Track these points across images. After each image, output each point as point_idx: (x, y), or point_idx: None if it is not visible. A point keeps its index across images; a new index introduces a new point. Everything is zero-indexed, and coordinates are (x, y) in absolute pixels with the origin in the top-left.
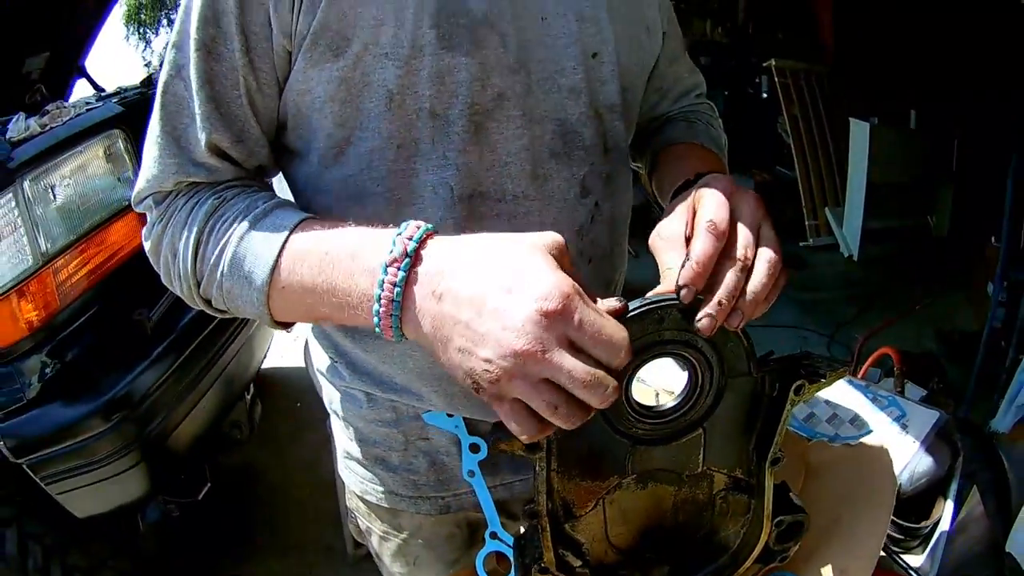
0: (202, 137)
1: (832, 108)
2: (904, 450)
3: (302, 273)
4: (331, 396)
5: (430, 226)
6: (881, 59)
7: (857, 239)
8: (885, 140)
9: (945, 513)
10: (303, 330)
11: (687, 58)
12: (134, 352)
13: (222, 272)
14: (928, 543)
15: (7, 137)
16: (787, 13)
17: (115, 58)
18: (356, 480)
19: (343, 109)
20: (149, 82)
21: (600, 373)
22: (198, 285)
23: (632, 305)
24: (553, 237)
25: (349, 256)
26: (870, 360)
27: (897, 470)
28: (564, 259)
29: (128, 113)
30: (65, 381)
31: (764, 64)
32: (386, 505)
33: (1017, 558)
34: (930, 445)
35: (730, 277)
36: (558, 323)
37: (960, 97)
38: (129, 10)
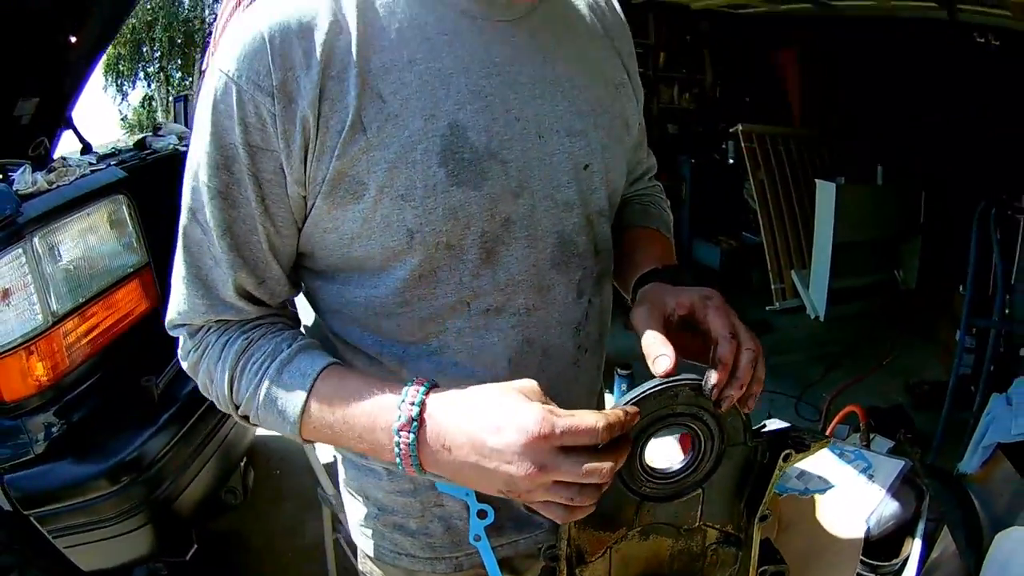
0: (229, 281)
1: (798, 171)
2: (871, 497)
3: (330, 420)
4: (347, 470)
5: (427, 384)
6: (847, 117)
7: (824, 300)
8: (852, 199)
9: (914, 551)
10: None
11: (646, 141)
12: (142, 417)
13: (257, 406)
14: None
15: (15, 190)
16: (754, 78)
17: (93, 109)
18: (372, 545)
19: (368, 244)
20: (143, 144)
21: (592, 464)
22: (236, 408)
23: (653, 383)
24: (527, 382)
25: (367, 415)
26: (837, 418)
27: (865, 516)
28: (534, 395)
29: (131, 178)
30: (72, 441)
31: (731, 129)
32: (404, 566)
33: None
34: (896, 491)
35: (746, 367)
36: (542, 443)
37: (926, 149)
38: (108, 60)
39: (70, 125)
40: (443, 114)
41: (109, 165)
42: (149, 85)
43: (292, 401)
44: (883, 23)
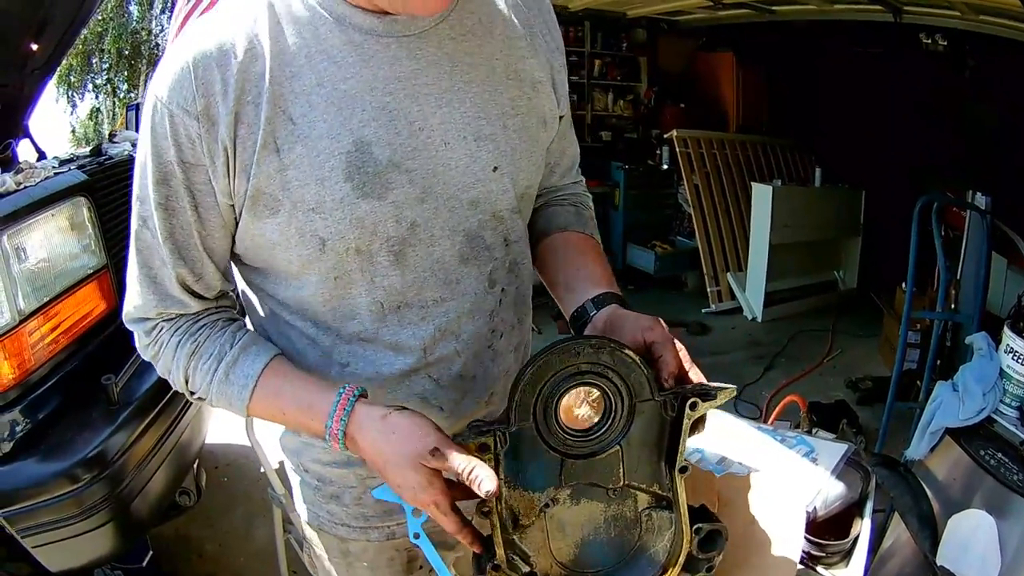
0: (173, 278)
1: (734, 175)
2: (815, 479)
3: (273, 406)
4: (289, 445)
5: (358, 391)
6: (786, 121)
7: (760, 301)
8: (789, 201)
9: (863, 531)
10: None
11: (571, 128)
12: (102, 415)
13: (211, 397)
14: (850, 558)
15: None
16: (688, 84)
17: (44, 122)
18: (312, 514)
19: (287, 253)
20: (99, 151)
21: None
22: (191, 394)
23: (556, 340)
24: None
25: (307, 405)
26: (777, 410)
27: (810, 497)
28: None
29: (91, 182)
30: (37, 440)
31: (665, 136)
32: (340, 535)
33: (950, 568)
34: (840, 473)
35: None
36: (431, 463)
37: (864, 150)
38: (60, 71)
39: (27, 134)
40: (348, 132)
41: (70, 169)
42: (97, 97)
43: (239, 398)
44: (824, 27)
